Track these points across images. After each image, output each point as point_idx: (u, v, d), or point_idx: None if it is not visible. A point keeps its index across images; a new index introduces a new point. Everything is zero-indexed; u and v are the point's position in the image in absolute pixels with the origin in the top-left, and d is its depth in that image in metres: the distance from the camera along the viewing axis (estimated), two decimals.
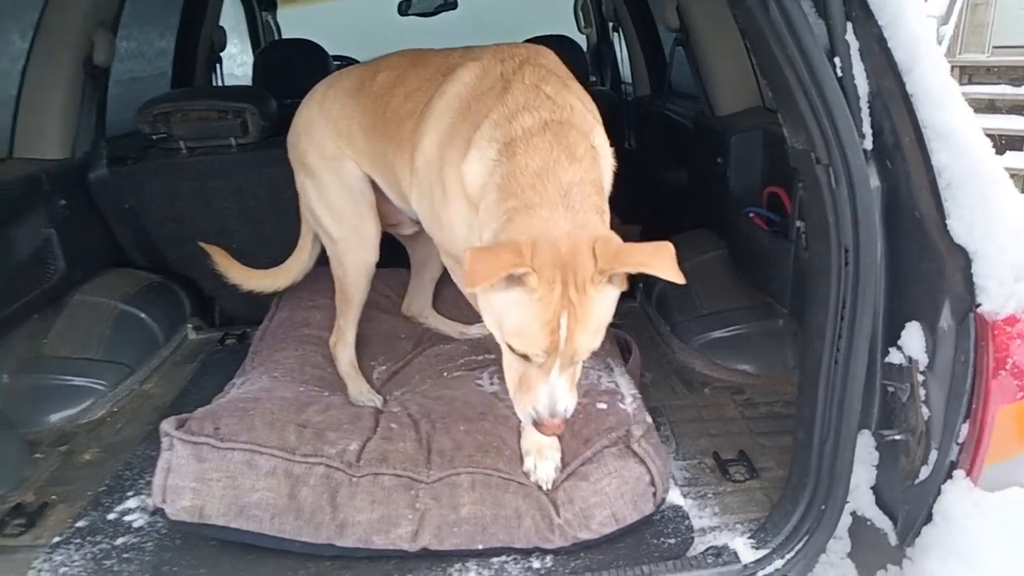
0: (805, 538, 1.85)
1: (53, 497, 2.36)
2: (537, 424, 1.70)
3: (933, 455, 1.63)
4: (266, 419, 2.08)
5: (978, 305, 1.52)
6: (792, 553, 1.85)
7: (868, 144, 1.69)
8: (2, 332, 2.75)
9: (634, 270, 1.58)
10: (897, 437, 1.71)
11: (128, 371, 3.03)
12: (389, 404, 2.47)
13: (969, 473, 1.58)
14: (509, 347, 1.68)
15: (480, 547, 1.94)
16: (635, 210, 3.36)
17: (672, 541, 1.97)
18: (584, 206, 1.63)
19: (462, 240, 1.96)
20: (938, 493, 1.61)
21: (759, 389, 2.73)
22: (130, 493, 2.29)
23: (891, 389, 1.73)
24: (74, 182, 3.19)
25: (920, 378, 1.65)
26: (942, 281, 1.58)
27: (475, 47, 2.13)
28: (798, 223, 2.25)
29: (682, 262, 3.26)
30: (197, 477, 1.96)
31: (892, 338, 1.72)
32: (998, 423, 1.53)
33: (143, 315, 3.24)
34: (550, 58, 2.01)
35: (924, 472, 1.65)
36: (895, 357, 1.71)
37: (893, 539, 1.75)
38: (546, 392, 1.66)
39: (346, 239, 2.52)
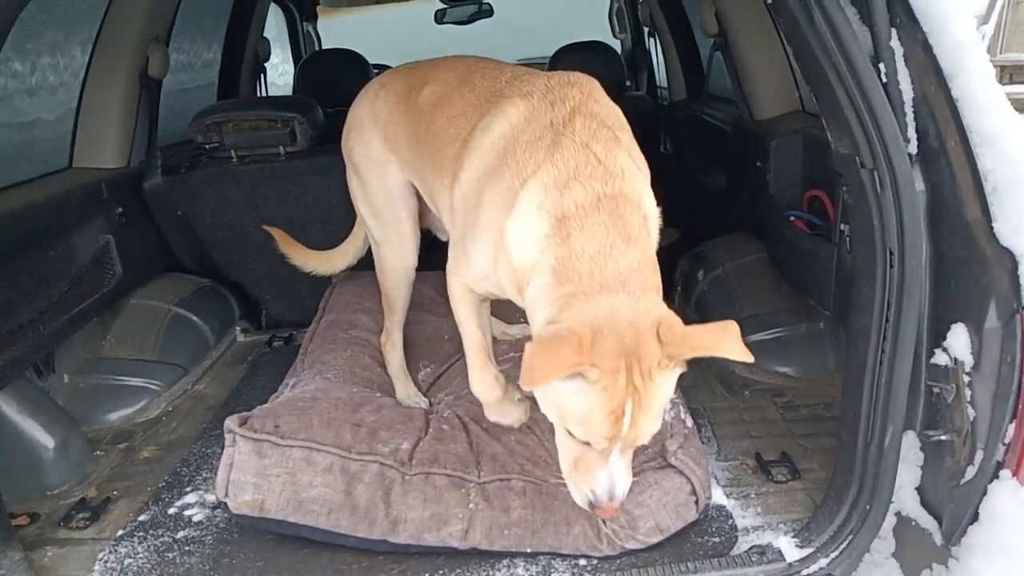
0: (850, 538, 1.88)
1: (115, 492, 2.46)
2: (594, 507, 1.66)
3: (979, 455, 1.65)
4: (323, 418, 2.16)
5: None
6: (837, 552, 1.87)
7: (913, 148, 1.72)
8: (64, 335, 2.87)
9: (702, 354, 1.55)
10: (943, 437, 1.73)
11: (182, 372, 3.14)
12: (437, 407, 2.54)
13: (1015, 473, 1.59)
14: (568, 432, 1.63)
15: (528, 550, 1.99)
16: (672, 214, 3.39)
17: (716, 540, 2.00)
18: (644, 289, 1.59)
19: (477, 274, 1.95)
20: (984, 493, 1.63)
21: (800, 392, 2.75)
22: (188, 489, 2.39)
23: (936, 390, 1.75)
24: (130, 190, 3.31)
25: (966, 379, 1.67)
26: (988, 283, 1.60)
27: (524, 74, 2.06)
28: (842, 226, 2.27)
29: (721, 265, 3.33)
30: (258, 473, 2.04)
31: (937, 340, 1.74)
32: None
33: (195, 318, 3.36)
34: (602, 103, 1.90)
35: (970, 472, 1.67)
36: (940, 358, 1.73)
37: (938, 539, 1.76)
38: (605, 476, 1.62)
39: (388, 241, 2.57)
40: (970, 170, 1.61)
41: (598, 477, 1.62)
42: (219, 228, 3.51)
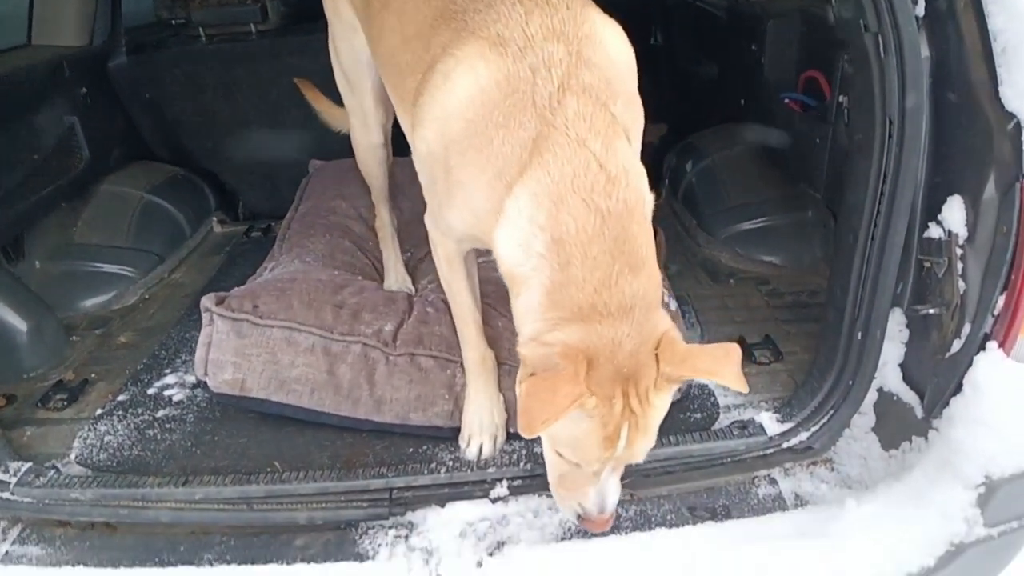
0: (831, 412, 1.89)
1: (93, 375, 2.44)
2: (583, 520, 1.57)
3: (966, 328, 1.64)
4: (303, 299, 2.11)
5: None
6: (817, 427, 1.89)
7: (920, 11, 1.63)
8: (33, 219, 2.78)
9: (700, 378, 1.50)
10: (931, 311, 1.71)
11: (157, 260, 3.07)
12: (421, 291, 2.50)
13: (1002, 344, 1.58)
14: (556, 452, 1.54)
15: (512, 430, 1.99)
16: (661, 108, 3.29)
17: (698, 416, 2.02)
18: (647, 312, 1.43)
19: (459, 236, 1.77)
20: (969, 365, 1.62)
21: (785, 280, 2.74)
22: (168, 371, 2.36)
23: (927, 265, 1.73)
24: (94, 70, 3.16)
25: (958, 252, 1.64)
26: (989, 151, 1.54)
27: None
28: (840, 98, 2.19)
29: (710, 155, 3.25)
30: (238, 352, 2.01)
31: (932, 213, 1.70)
32: None
33: (168, 206, 3.27)
34: (593, 61, 1.52)
35: (956, 345, 1.66)
36: (934, 232, 1.70)
37: (919, 412, 1.78)
38: (595, 491, 1.53)
39: (355, 113, 2.41)
40: (979, 31, 1.53)
41: (588, 493, 1.53)
42: (190, 113, 3.38)
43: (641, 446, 1.48)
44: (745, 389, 1.45)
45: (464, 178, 1.58)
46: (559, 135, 1.44)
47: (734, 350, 1.45)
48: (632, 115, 1.61)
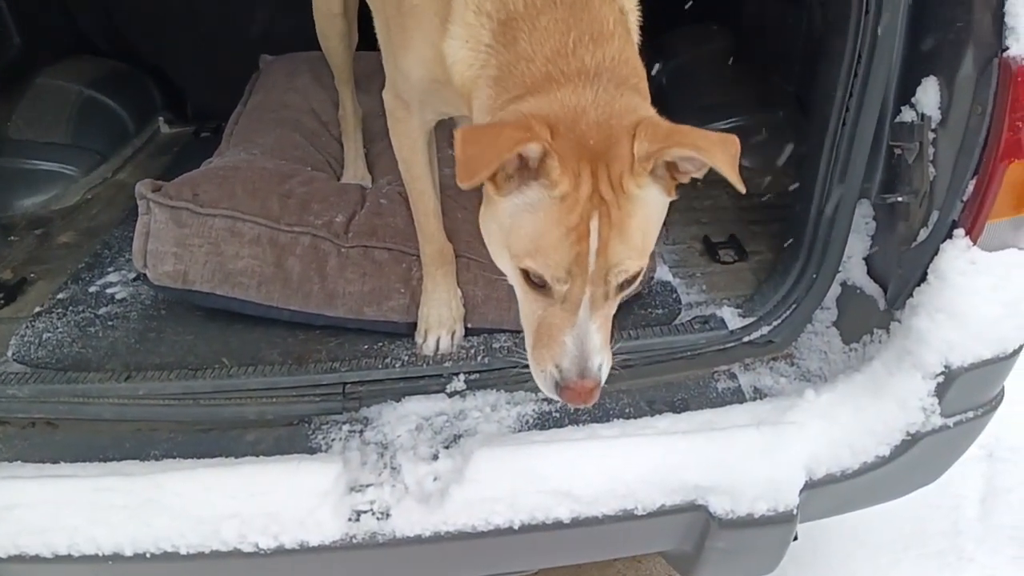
0: (793, 307, 1.87)
1: (32, 275, 2.32)
2: (562, 389, 1.28)
3: (934, 216, 1.60)
4: (247, 187, 2.00)
5: (1005, 49, 1.42)
6: (779, 321, 1.86)
7: None
8: None
9: (685, 154, 1.21)
10: (899, 199, 1.67)
11: (99, 158, 2.91)
12: (378, 185, 2.40)
13: (970, 232, 1.54)
14: (524, 278, 1.29)
15: (470, 325, 1.93)
16: None
17: (660, 311, 1.98)
18: (620, 89, 1.24)
19: (418, 90, 1.61)
20: (935, 253, 1.58)
21: (754, 182, 2.66)
22: (110, 269, 2.25)
23: (898, 151, 1.67)
24: None
25: (931, 136, 1.58)
26: (969, 25, 1.47)
27: None
28: None
29: (681, 55, 3.12)
30: (178, 242, 1.90)
31: (905, 96, 1.64)
32: (1007, 179, 1.48)
33: (111, 102, 3.09)
34: None
35: (923, 234, 1.62)
36: (906, 116, 1.64)
37: (882, 304, 1.75)
38: (573, 341, 1.25)
39: None
40: None
41: (564, 345, 1.26)
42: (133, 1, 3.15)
43: (619, 253, 1.22)
44: (741, 187, 1.21)
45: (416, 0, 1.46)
46: None
47: (732, 140, 1.25)
48: None
